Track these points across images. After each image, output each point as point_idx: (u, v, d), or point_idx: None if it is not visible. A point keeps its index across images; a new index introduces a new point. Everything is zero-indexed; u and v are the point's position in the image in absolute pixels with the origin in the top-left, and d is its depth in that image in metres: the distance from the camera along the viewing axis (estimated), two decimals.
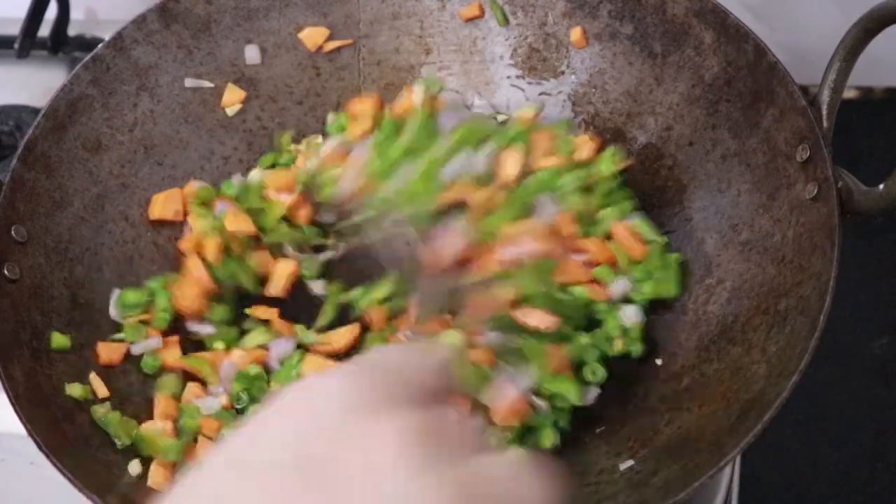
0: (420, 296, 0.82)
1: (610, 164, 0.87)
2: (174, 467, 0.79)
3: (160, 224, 0.90)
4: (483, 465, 0.39)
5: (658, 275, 0.83)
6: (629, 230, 0.85)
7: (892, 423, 0.93)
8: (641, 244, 0.84)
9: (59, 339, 0.81)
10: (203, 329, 0.86)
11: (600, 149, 0.89)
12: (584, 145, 0.89)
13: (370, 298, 0.86)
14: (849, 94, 1.01)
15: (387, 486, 0.36)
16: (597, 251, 0.84)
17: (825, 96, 0.77)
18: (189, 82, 0.93)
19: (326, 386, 0.39)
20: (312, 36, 0.94)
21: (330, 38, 0.95)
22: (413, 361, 0.43)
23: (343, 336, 0.85)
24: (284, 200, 0.89)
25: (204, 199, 0.90)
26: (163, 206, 0.89)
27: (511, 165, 0.86)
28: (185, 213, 0.90)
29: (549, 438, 0.78)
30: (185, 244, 0.88)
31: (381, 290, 0.86)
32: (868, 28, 0.75)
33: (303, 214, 0.90)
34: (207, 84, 0.93)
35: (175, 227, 0.90)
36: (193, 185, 0.91)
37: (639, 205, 0.87)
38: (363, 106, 0.93)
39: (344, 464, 0.36)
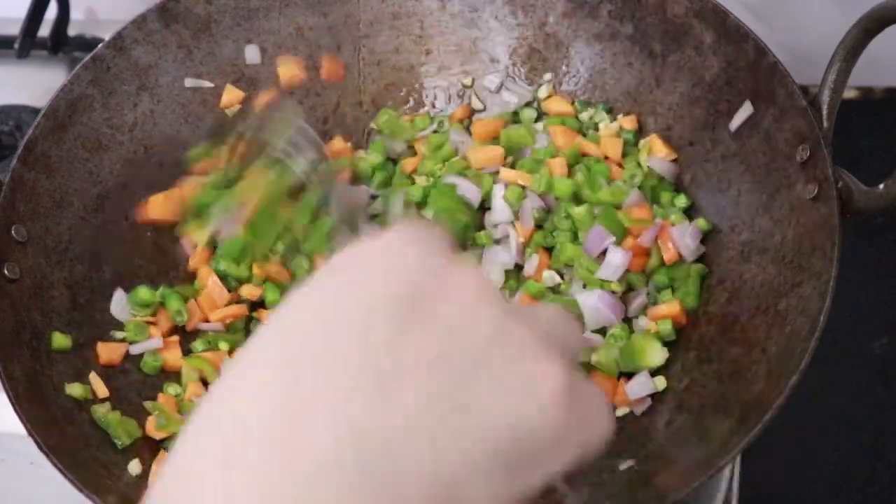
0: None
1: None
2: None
3: (160, 224, 0.90)
4: (536, 309, 0.43)
5: (680, 285, 0.82)
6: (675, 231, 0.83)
7: (892, 423, 0.93)
8: (676, 249, 0.83)
9: (59, 339, 0.81)
10: (212, 327, 0.86)
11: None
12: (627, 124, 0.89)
13: None
14: (849, 94, 1.01)
15: (482, 325, 0.38)
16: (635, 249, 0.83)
17: (825, 96, 0.77)
18: (189, 82, 0.93)
19: (393, 245, 0.40)
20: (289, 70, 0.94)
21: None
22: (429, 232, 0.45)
23: None
24: None
25: (198, 210, 0.90)
26: (162, 206, 0.88)
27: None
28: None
29: (656, 355, 0.79)
30: (196, 262, 0.88)
31: None
32: (868, 28, 0.75)
33: None
34: (207, 84, 0.93)
35: (175, 227, 0.90)
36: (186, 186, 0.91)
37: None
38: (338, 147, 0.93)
39: (438, 308, 0.38)
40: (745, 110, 0.82)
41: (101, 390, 0.81)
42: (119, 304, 0.85)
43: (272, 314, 0.39)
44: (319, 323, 0.37)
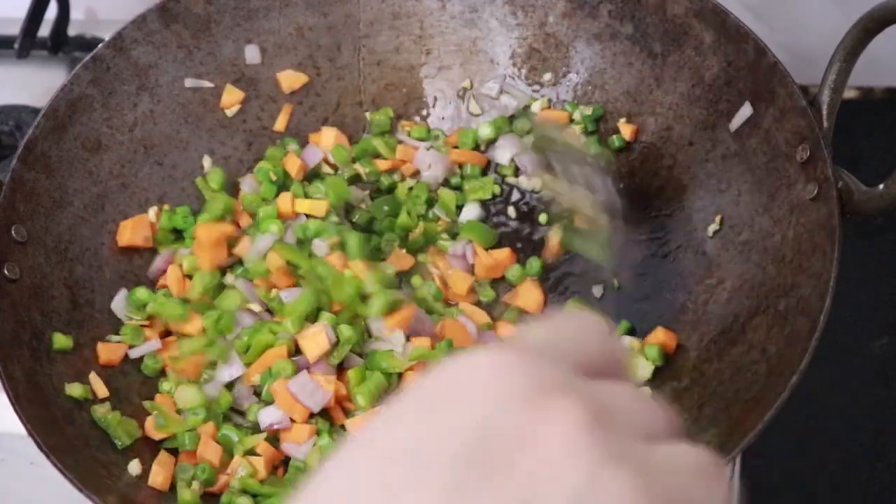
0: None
1: None
2: (176, 464, 0.79)
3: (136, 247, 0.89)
4: (664, 455, 0.36)
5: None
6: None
7: (892, 423, 0.93)
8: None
9: (60, 340, 0.81)
10: None
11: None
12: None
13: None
14: (849, 94, 1.01)
15: (567, 482, 0.33)
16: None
17: (825, 96, 0.77)
18: (189, 82, 0.93)
19: (479, 375, 0.35)
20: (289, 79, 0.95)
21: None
22: (575, 336, 0.39)
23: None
24: None
25: (170, 226, 0.89)
26: (132, 232, 0.87)
27: None
28: (154, 240, 0.89)
29: (643, 369, 0.80)
30: (169, 280, 0.87)
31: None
32: (868, 28, 0.75)
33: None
34: (207, 84, 0.93)
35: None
36: (151, 214, 0.89)
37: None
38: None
39: (517, 459, 0.33)
40: (745, 110, 0.82)
41: (101, 390, 0.81)
42: (121, 303, 0.85)
43: (356, 437, 0.36)
44: (383, 479, 0.33)
